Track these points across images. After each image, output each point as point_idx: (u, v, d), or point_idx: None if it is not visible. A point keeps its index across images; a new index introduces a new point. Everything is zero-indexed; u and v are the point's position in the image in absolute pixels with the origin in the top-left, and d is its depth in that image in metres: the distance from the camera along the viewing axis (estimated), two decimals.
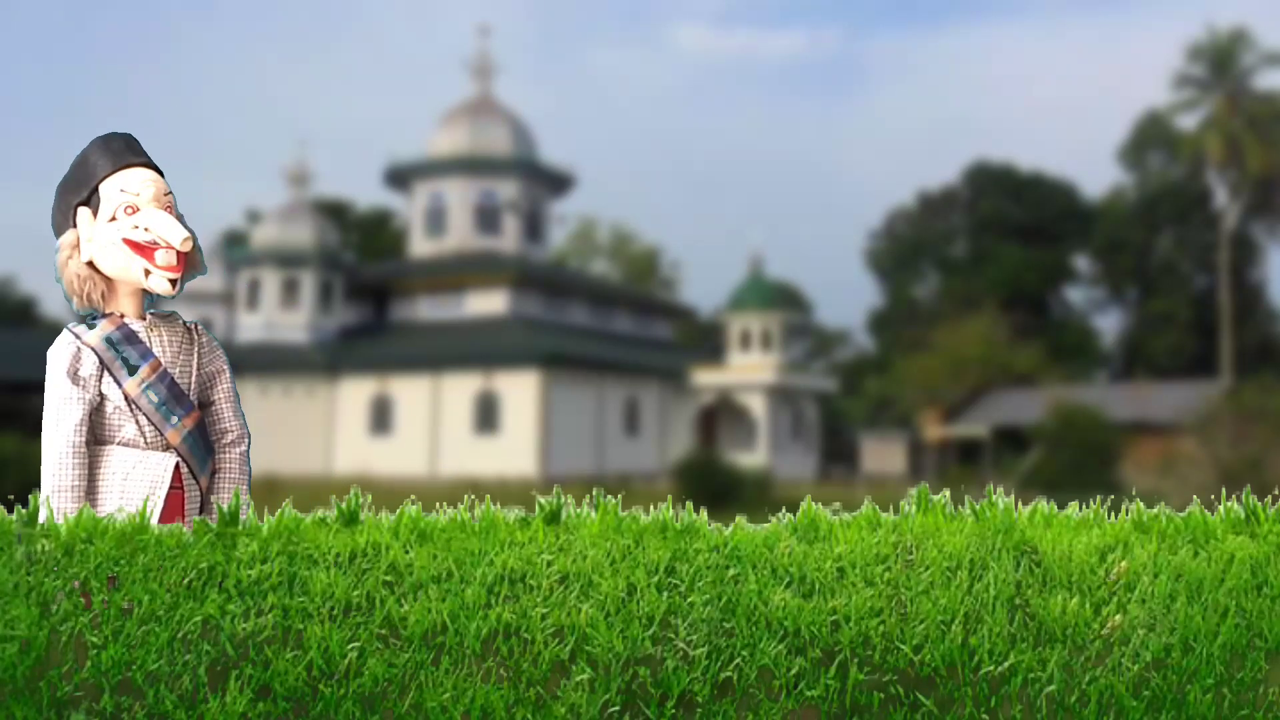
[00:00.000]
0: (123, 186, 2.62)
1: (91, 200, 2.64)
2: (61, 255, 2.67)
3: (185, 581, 2.11)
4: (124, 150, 2.68)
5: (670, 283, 62.80)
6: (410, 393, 39.08)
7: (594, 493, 2.38)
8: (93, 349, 2.63)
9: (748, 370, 41.88)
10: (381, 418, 39.49)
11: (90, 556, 2.12)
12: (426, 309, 43.00)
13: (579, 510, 2.37)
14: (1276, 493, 2.49)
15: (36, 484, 2.44)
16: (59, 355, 2.64)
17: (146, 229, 2.60)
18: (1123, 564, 2.31)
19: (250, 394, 32.90)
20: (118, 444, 2.64)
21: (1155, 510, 2.47)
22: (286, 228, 40.88)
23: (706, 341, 47.84)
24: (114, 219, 2.61)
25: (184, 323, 2.79)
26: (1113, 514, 2.48)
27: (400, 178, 46.95)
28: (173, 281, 2.61)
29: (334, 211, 50.28)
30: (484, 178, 45.09)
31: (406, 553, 2.21)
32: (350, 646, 2.07)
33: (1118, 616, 2.21)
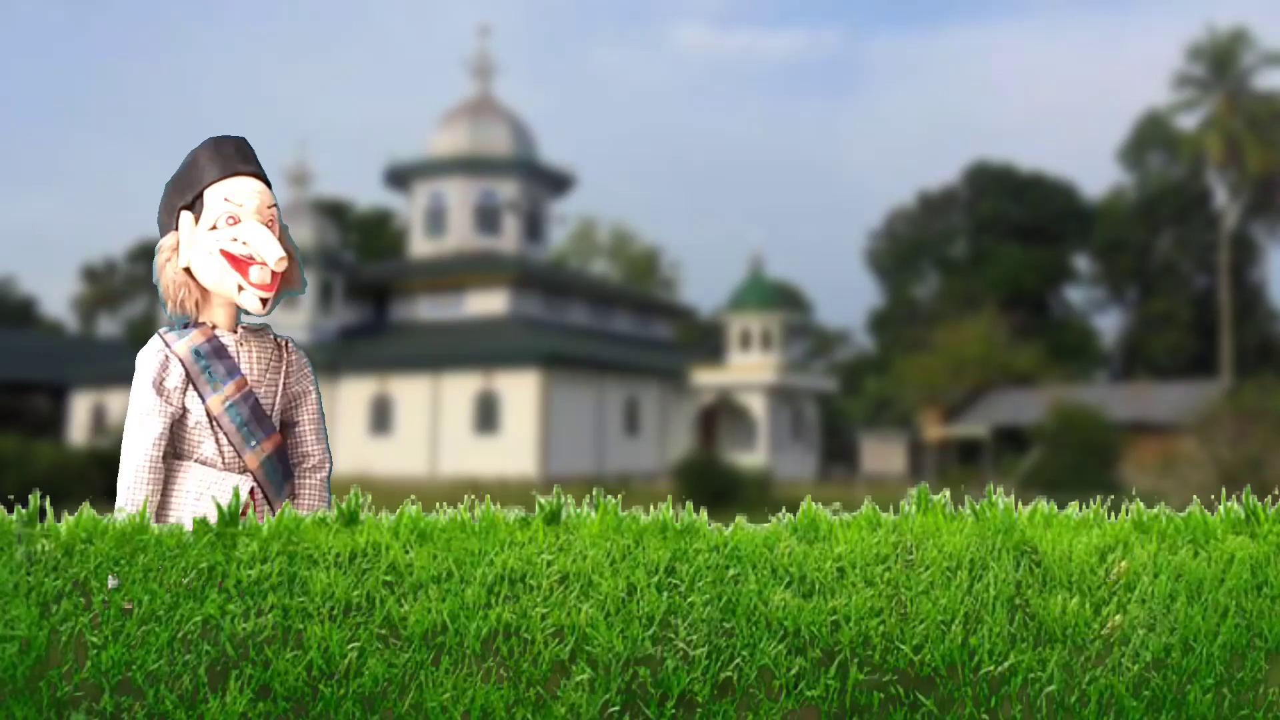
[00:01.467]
0: (227, 195, 2.54)
1: (196, 205, 2.56)
2: (160, 257, 2.61)
3: (185, 581, 2.11)
4: (234, 157, 2.59)
5: (670, 283, 62.85)
6: (410, 393, 39.08)
7: (594, 493, 2.38)
8: (180, 360, 2.56)
9: (748, 370, 41.88)
10: (381, 418, 39.49)
11: (90, 556, 2.12)
12: (426, 309, 43.01)
13: (579, 510, 2.37)
14: (1276, 493, 2.49)
15: (36, 484, 2.43)
16: (147, 363, 2.57)
17: (245, 243, 2.52)
18: (1123, 564, 2.31)
19: None
20: (195, 461, 2.57)
21: (1155, 510, 2.47)
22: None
23: (706, 341, 47.85)
24: (215, 228, 2.53)
25: (275, 338, 2.70)
26: (1113, 514, 2.48)
27: (400, 178, 46.96)
28: (264, 300, 2.53)
29: (334, 211, 50.30)
30: (484, 178, 45.10)
31: (406, 553, 2.22)
32: (350, 646, 2.07)
33: (1118, 616, 2.21)
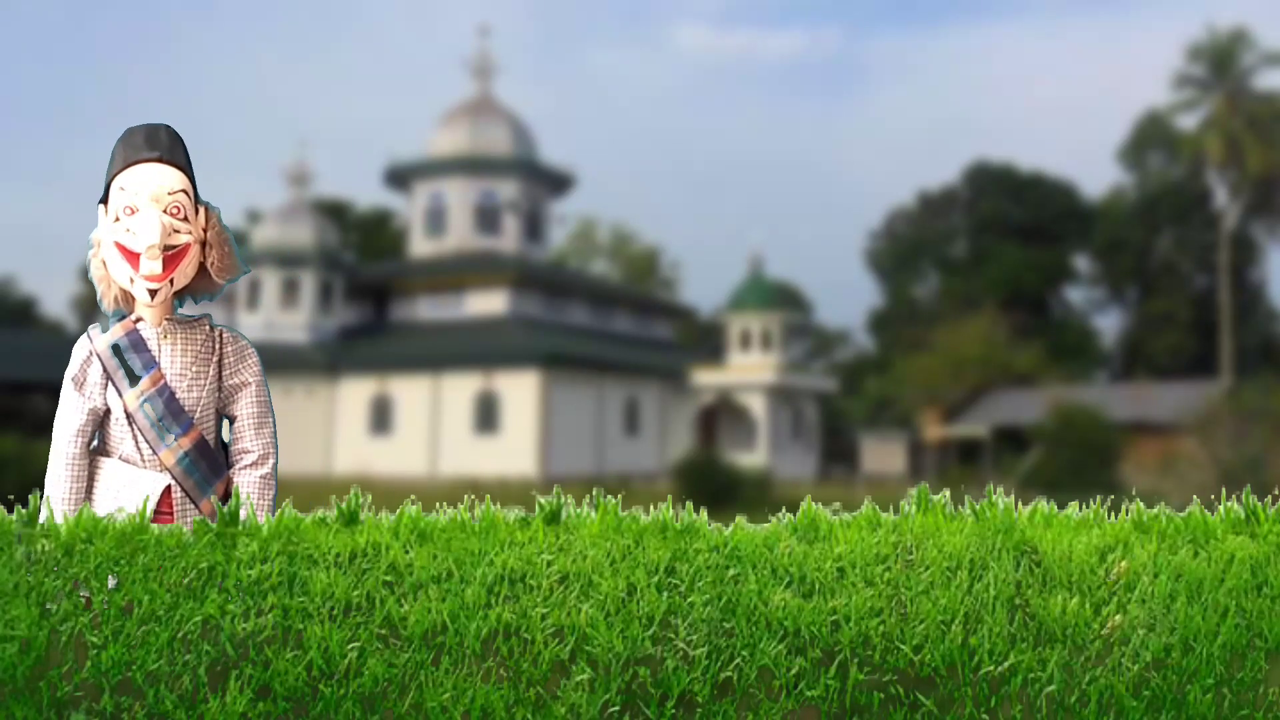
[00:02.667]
0: (123, 185, 2.51)
1: (107, 198, 2.54)
2: (89, 254, 2.58)
3: (185, 581, 2.11)
4: (140, 145, 2.53)
5: (670, 283, 62.79)
6: (410, 393, 39.07)
7: (594, 493, 2.38)
8: (99, 356, 2.53)
9: (748, 370, 41.88)
10: (381, 418, 39.48)
11: (90, 556, 2.12)
12: (426, 309, 43.00)
13: (579, 510, 2.37)
14: (1276, 493, 2.49)
15: (36, 484, 2.43)
16: (73, 359, 2.55)
17: (134, 232, 2.47)
18: (1123, 564, 2.31)
19: None
20: (117, 458, 2.54)
21: (1155, 510, 2.47)
22: (286, 228, 40.84)
23: (706, 341, 47.84)
24: (117, 220, 2.50)
25: (211, 328, 2.63)
26: (1113, 514, 2.48)
27: (400, 178, 46.96)
28: (152, 291, 2.48)
29: (334, 211, 50.26)
30: (484, 178, 45.09)
31: (406, 553, 2.21)
32: (350, 646, 2.07)
33: (1118, 616, 2.21)
